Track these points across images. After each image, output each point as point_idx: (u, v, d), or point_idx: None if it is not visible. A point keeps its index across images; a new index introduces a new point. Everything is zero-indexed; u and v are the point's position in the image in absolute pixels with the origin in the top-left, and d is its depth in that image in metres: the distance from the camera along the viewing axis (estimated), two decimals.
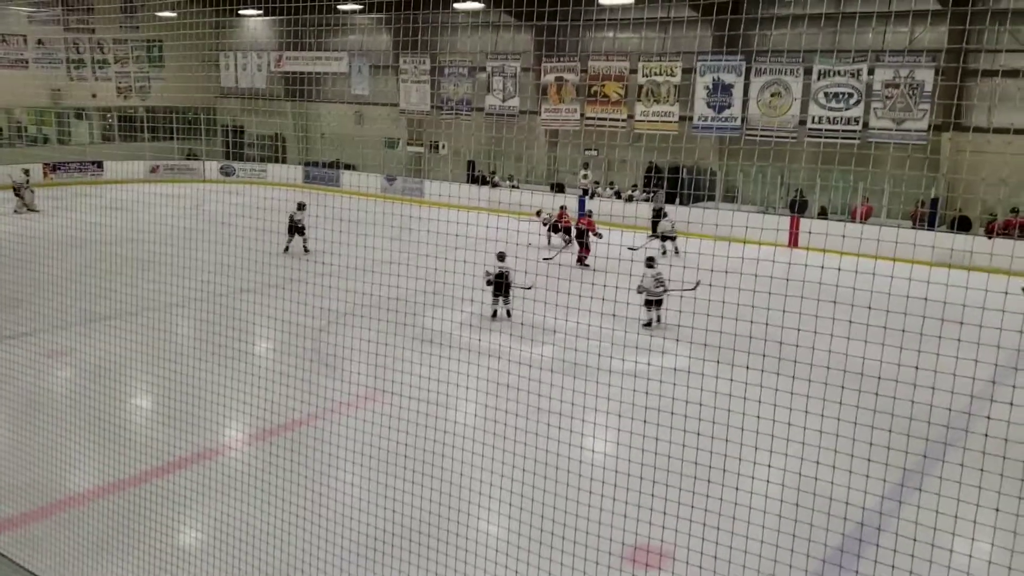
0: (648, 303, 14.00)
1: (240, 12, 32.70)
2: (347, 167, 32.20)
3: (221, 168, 33.22)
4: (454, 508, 6.62)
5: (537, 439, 6.42)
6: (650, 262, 14.34)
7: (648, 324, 14.09)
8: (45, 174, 30.02)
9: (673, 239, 20.17)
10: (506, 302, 14.60)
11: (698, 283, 10.47)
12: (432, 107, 30.24)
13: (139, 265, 13.34)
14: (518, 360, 9.40)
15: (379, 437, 7.18)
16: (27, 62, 30.42)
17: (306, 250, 19.49)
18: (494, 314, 14.61)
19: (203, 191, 28.99)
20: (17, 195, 24.63)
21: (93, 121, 34.54)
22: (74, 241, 19.52)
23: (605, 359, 11.46)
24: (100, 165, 31.20)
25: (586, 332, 11.26)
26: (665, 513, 5.60)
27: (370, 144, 32.81)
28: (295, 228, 19.64)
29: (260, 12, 32.40)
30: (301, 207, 19.72)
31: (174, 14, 29.15)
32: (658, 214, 23.85)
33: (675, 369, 7.33)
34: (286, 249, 19.43)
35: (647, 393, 6.16)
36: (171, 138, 33.38)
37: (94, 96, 32.35)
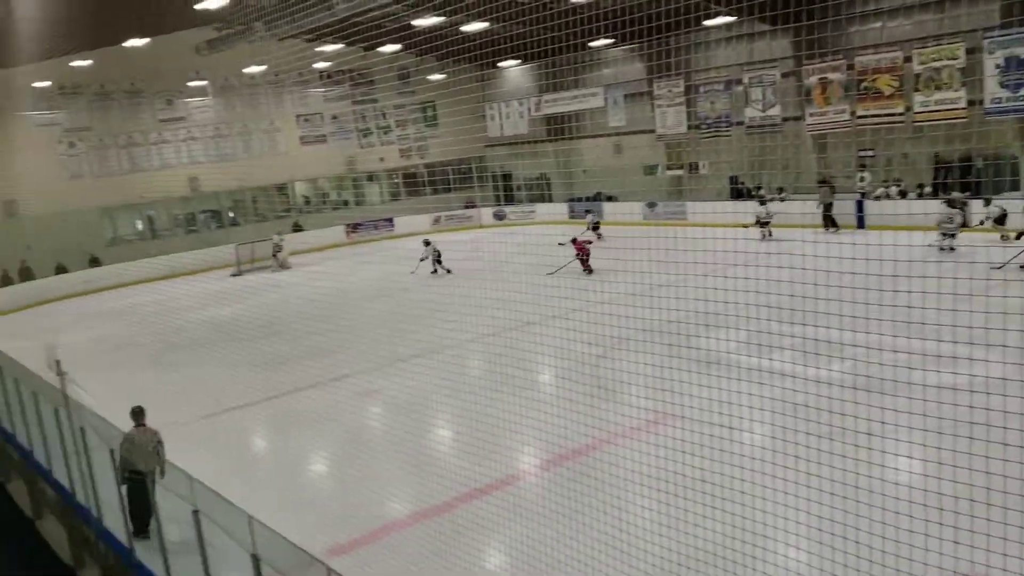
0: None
1: (499, 63, 34.64)
2: (608, 199, 32.73)
3: (494, 213, 35.29)
4: (754, 532, 6.44)
5: (844, 460, 6.11)
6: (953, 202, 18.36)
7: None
8: (347, 234, 33.74)
9: (767, 223, 22.70)
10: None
11: None
12: (689, 128, 29.93)
13: (433, 307, 14.54)
14: (805, 377, 9.02)
15: (670, 461, 7.18)
16: (325, 137, 34.61)
17: (439, 270, 22.87)
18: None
19: (481, 235, 30.97)
20: (272, 255, 28.28)
21: (382, 182, 38.40)
22: (376, 292, 21.60)
23: (905, 371, 10.65)
24: (391, 221, 34.58)
25: (877, 343, 10.54)
26: (989, 535, 5.08)
27: (630, 172, 33.11)
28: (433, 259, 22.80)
29: (519, 61, 34.24)
30: (426, 243, 23.10)
31: (443, 76, 32.00)
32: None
33: (987, 377, 6.64)
34: (434, 272, 22.74)
35: (971, 407, 5.62)
36: (448, 190, 36.27)
37: (381, 160, 36.31)
